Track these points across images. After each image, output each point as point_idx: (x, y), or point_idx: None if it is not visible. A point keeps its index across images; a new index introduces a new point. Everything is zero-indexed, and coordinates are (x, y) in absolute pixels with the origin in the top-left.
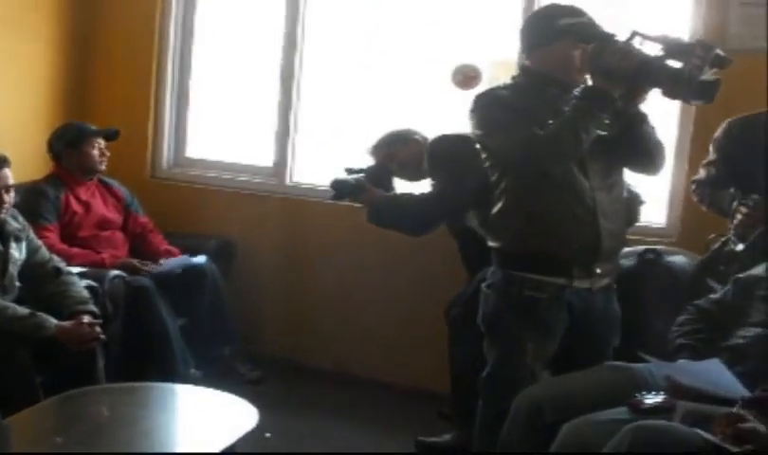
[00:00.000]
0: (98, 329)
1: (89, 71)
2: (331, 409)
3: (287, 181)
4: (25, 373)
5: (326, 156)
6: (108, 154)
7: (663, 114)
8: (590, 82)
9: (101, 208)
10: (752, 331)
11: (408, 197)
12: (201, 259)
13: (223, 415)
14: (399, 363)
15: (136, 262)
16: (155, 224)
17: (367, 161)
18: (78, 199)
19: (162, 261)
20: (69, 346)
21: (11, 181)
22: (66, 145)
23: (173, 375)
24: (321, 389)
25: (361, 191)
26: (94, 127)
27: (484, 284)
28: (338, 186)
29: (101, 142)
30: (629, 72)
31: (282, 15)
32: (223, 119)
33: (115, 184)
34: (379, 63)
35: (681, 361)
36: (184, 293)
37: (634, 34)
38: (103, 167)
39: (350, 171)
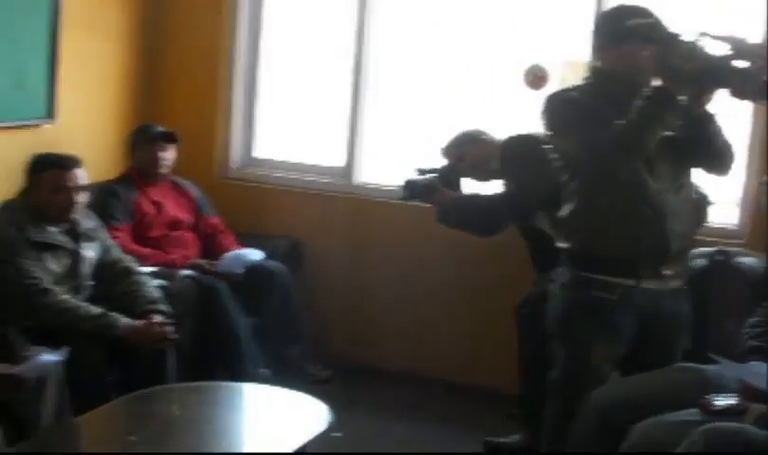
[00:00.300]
0: (168, 329)
1: (159, 71)
2: (399, 408)
3: (356, 181)
4: (97, 372)
5: (394, 156)
6: (166, 157)
7: (734, 114)
8: (658, 83)
9: (173, 208)
10: None
11: (477, 198)
12: (257, 253)
13: (295, 415)
14: (467, 363)
15: (205, 262)
16: (226, 224)
17: (438, 161)
18: (149, 199)
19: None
20: (140, 345)
21: (84, 181)
22: (128, 147)
23: (242, 375)
24: (389, 388)
25: (432, 192)
26: (157, 130)
27: (552, 285)
28: (410, 186)
29: (161, 145)
30: (695, 72)
31: (352, 13)
32: (291, 119)
33: (186, 184)
34: (451, 63)
35: (752, 363)
36: (254, 293)
37: (701, 34)
38: (161, 170)
39: (422, 171)
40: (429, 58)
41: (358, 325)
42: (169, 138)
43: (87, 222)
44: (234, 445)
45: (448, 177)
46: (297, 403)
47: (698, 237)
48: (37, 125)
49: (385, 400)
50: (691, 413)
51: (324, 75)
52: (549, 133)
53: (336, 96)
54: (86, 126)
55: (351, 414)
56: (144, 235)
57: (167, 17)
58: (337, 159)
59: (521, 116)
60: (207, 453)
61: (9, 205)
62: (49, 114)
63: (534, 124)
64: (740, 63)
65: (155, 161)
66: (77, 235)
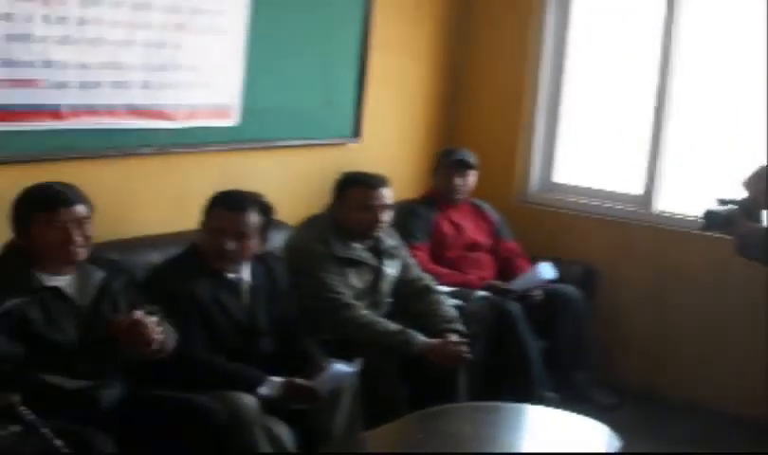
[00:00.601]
0: (463, 348)
1: (463, 92)
2: (685, 440)
3: (654, 210)
4: (390, 387)
5: (695, 186)
6: (463, 183)
7: None
8: None
9: (472, 230)
10: None
11: None
12: (549, 270)
13: (582, 439)
14: (760, 398)
15: (501, 283)
16: (523, 248)
17: (739, 193)
18: (449, 221)
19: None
20: (435, 363)
21: (390, 201)
22: (432, 169)
23: (529, 397)
24: (676, 419)
25: (733, 224)
26: (456, 156)
27: None
28: (710, 216)
29: (459, 171)
30: None
31: (656, 39)
32: (591, 145)
33: (487, 208)
34: (756, 93)
35: None
36: (548, 316)
37: None
38: (457, 195)
39: (722, 201)
40: (733, 88)
41: (650, 355)
42: (466, 165)
43: (389, 240)
44: None
45: (748, 209)
46: (585, 428)
47: None
48: (343, 143)
49: (670, 431)
50: None
51: (626, 102)
52: None
53: (637, 123)
54: (391, 145)
55: (635, 443)
56: (442, 255)
57: (473, 40)
58: (635, 187)
59: None
60: None
61: (317, 220)
62: (356, 132)
63: None
64: None
65: (451, 186)
66: (379, 252)
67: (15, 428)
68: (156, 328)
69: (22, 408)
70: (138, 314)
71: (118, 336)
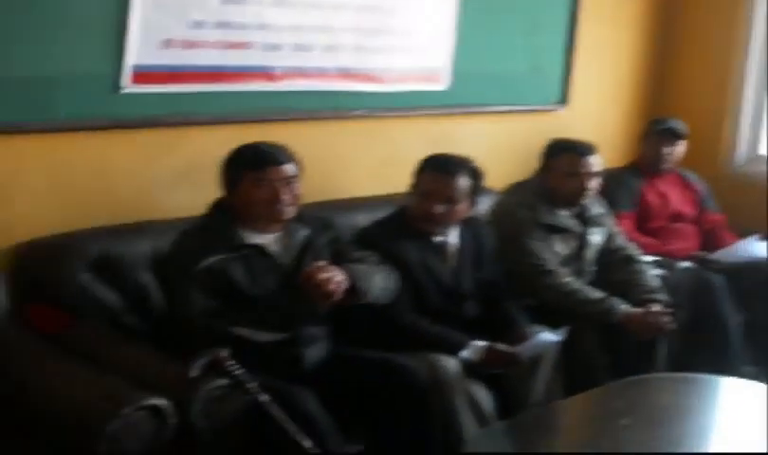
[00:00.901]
0: (665, 319)
1: (671, 61)
2: None
3: None
4: (590, 356)
5: None
6: (671, 152)
7: None
8: None
9: (677, 201)
10: None
11: None
12: (760, 248)
13: None
14: None
15: (705, 254)
16: (726, 221)
17: None
18: (655, 190)
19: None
20: (636, 333)
21: (597, 168)
22: (640, 137)
23: (726, 369)
24: None
25: None
26: (666, 125)
27: None
28: None
29: (667, 140)
30: None
31: None
32: None
33: (693, 178)
34: None
35: None
36: (750, 289)
37: None
38: (664, 165)
39: None
40: None
41: None
42: (676, 135)
43: (596, 207)
44: (724, 440)
45: None
46: None
47: None
48: (551, 110)
49: None
50: None
51: None
52: None
53: None
54: (598, 113)
55: None
56: (645, 225)
57: (684, 10)
58: None
59: None
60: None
61: (524, 185)
62: (563, 99)
63: None
64: None
65: (658, 156)
66: (585, 220)
67: (223, 382)
68: (336, 278)
69: (230, 362)
70: (320, 263)
71: (304, 287)
